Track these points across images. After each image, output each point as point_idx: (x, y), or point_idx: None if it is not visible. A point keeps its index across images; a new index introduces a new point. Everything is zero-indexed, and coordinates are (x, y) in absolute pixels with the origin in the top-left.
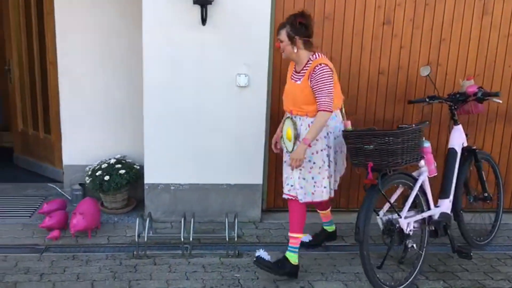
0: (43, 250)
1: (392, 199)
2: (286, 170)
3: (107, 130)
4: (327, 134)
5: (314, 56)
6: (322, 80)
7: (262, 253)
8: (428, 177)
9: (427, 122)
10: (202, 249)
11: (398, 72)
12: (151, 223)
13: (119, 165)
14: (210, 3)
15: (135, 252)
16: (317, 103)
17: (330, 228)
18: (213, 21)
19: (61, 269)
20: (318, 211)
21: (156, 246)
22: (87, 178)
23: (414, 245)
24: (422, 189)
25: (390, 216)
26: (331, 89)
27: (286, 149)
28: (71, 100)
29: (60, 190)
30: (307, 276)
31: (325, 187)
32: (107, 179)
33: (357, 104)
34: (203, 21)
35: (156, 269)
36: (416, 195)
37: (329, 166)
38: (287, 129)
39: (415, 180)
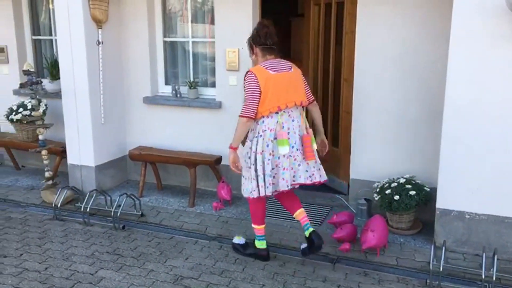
0: (335, 260)
1: None
2: None
3: (396, 148)
4: (254, 137)
5: (261, 64)
6: (245, 87)
7: (235, 239)
8: None
9: None
10: None
11: None
12: (445, 252)
13: (409, 186)
14: None
15: (428, 281)
16: None
17: (306, 233)
18: None
19: (355, 283)
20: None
21: (448, 278)
22: (375, 195)
23: None
24: None
25: None
26: (249, 95)
27: None
28: (362, 116)
29: (346, 202)
30: None
31: (252, 187)
32: (396, 198)
33: None
34: None
35: None
36: None
37: (250, 167)
38: None
39: None
